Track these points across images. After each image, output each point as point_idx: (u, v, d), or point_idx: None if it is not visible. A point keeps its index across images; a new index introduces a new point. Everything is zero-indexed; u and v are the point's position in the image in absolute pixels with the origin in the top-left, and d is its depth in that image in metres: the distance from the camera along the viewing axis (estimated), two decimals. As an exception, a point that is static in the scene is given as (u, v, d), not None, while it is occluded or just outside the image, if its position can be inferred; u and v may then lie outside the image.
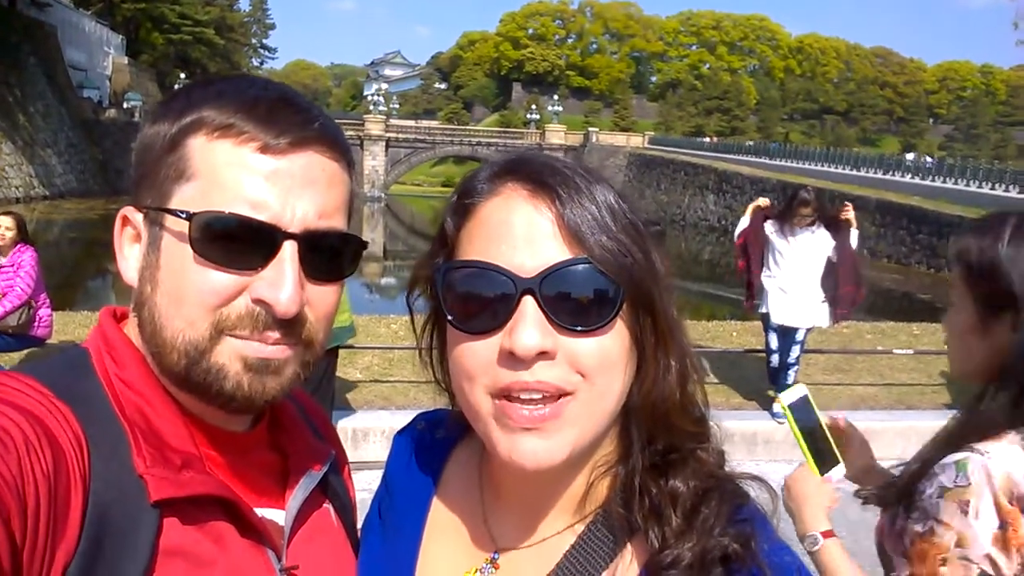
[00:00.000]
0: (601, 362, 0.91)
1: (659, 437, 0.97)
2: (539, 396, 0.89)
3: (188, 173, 0.95)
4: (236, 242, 0.93)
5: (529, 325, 0.88)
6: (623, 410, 0.96)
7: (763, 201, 8.14)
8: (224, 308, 0.94)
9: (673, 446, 0.97)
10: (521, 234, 0.91)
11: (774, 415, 7.42)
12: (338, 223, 1.01)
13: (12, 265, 7.38)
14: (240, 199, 0.93)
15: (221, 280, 0.93)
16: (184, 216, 0.93)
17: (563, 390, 0.90)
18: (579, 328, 0.90)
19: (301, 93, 1.04)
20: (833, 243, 7.38)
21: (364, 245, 1.06)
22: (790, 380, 7.59)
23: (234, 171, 0.94)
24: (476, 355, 0.92)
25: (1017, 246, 1.63)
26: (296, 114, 0.97)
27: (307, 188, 0.96)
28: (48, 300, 7.73)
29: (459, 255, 0.96)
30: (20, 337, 7.44)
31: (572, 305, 0.90)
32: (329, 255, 1.00)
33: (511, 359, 0.89)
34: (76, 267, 26.23)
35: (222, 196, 0.93)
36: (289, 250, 0.94)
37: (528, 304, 0.89)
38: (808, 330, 7.68)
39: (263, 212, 0.93)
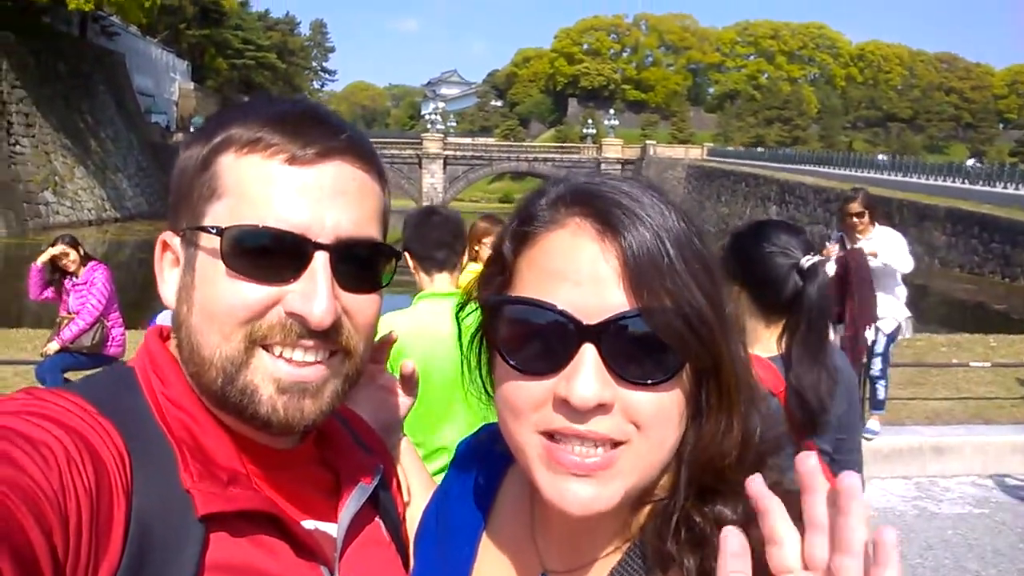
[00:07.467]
0: (658, 416, 0.87)
1: (708, 480, 0.91)
2: (591, 442, 0.86)
3: (219, 191, 0.95)
4: (267, 255, 0.92)
5: (588, 375, 0.84)
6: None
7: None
8: (257, 321, 0.93)
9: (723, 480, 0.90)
10: (586, 274, 0.85)
11: (864, 430, 7.06)
12: (371, 232, 0.99)
13: (86, 283, 7.64)
14: (270, 211, 0.92)
15: (252, 292, 0.92)
16: (215, 232, 0.93)
17: (616, 440, 0.86)
18: (642, 381, 0.85)
19: (331, 110, 1.05)
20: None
21: (398, 255, 1.04)
22: (880, 395, 7.31)
23: (263, 184, 0.93)
24: (527, 395, 0.88)
25: None
26: (323, 126, 0.96)
27: (337, 198, 0.95)
28: (121, 319, 7.94)
29: (517, 284, 0.91)
30: (94, 356, 7.65)
31: (634, 356, 0.85)
32: (363, 265, 0.98)
33: (565, 406, 0.85)
34: (147, 287, 26.67)
35: (252, 210, 0.93)
36: (321, 260, 0.93)
37: (588, 352, 0.84)
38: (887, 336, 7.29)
39: (293, 223, 0.92)
